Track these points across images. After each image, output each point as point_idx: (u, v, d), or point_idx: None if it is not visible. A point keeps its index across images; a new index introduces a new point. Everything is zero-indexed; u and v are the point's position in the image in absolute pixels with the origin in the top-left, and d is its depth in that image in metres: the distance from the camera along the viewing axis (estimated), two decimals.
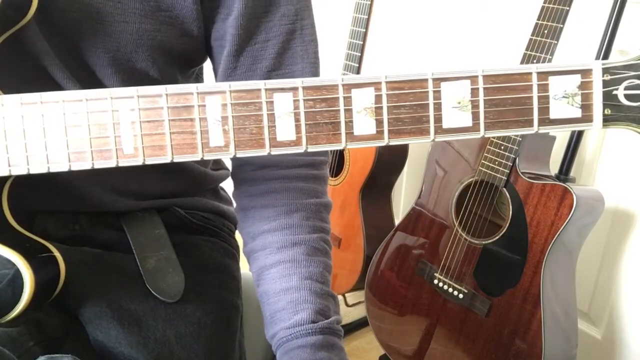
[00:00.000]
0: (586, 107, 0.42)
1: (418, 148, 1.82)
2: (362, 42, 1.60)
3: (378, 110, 0.46)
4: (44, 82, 0.64)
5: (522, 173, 1.32)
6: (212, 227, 0.87)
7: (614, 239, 1.56)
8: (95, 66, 0.66)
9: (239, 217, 0.77)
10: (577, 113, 0.42)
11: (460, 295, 1.42)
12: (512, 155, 1.32)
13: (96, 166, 0.53)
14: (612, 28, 1.26)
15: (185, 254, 0.76)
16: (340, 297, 1.89)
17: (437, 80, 0.44)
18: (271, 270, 0.71)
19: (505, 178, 1.33)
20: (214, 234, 0.87)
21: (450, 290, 1.44)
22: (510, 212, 1.33)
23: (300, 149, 0.49)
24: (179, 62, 0.73)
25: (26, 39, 0.62)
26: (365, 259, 1.71)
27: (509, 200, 1.33)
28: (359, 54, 1.61)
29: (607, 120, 0.42)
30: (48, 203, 0.71)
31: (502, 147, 1.33)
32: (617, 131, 1.41)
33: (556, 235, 1.25)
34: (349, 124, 0.47)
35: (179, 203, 0.83)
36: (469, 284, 1.41)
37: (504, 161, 1.33)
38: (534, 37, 1.24)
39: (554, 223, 1.25)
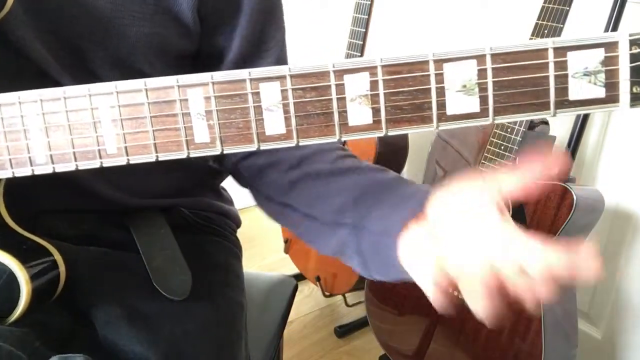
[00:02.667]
0: (611, 85, 0.35)
1: (418, 147, 1.77)
2: (362, 42, 1.55)
3: (374, 97, 0.40)
4: (38, 80, 0.60)
5: None
6: (215, 226, 0.85)
7: (614, 239, 1.50)
8: (94, 64, 0.63)
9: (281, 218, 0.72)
10: (601, 92, 0.35)
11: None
12: (512, 155, 1.26)
13: (80, 167, 0.49)
14: (612, 28, 1.21)
15: (191, 253, 0.73)
16: (340, 297, 1.86)
17: (439, 62, 0.37)
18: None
19: None
20: (218, 234, 0.85)
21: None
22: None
23: (291, 143, 0.43)
24: (177, 63, 0.69)
25: (11, 32, 0.58)
26: None
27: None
28: (359, 54, 1.56)
29: (635, 99, 0.35)
30: (53, 202, 0.68)
31: (502, 147, 1.27)
32: (617, 130, 1.37)
33: (556, 236, 1.19)
34: (343, 114, 0.41)
35: (183, 203, 0.80)
36: None
37: (503, 161, 1.27)
38: (534, 37, 1.19)
39: (554, 223, 1.20)
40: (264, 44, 0.69)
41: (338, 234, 0.60)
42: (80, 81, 0.61)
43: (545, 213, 1.21)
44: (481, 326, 1.32)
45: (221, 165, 0.80)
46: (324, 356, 1.73)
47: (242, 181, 0.76)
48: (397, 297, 1.53)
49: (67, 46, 0.61)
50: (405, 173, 1.99)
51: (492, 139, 1.29)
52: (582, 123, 1.31)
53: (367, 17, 1.53)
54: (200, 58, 0.72)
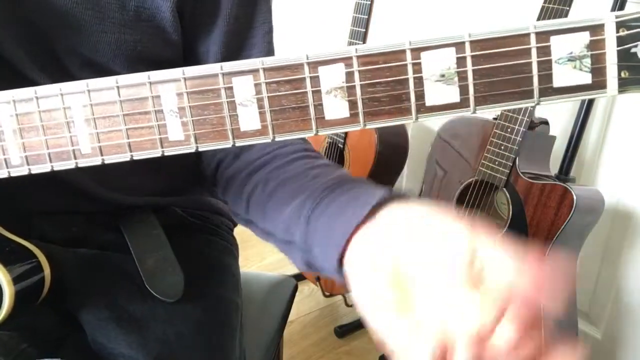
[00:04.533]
0: (597, 70, 0.32)
1: (418, 147, 1.75)
2: (362, 42, 1.52)
3: (350, 89, 0.37)
4: (17, 82, 0.58)
5: (522, 173, 1.25)
6: (210, 225, 0.83)
7: (614, 239, 1.47)
8: (73, 70, 0.60)
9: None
10: (587, 78, 0.32)
11: None
12: (512, 155, 1.24)
13: (55, 168, 0.47)
14: None
15: (184, 253, 0.71)
16: (340, 297, 1.83)
17: (417, 50, 0.34)
18: None
19: (505, 178, 1.26)
20: (213, 232, 0.83)
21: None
22: (510, 212, 1.26)
23: (267, 139, 0.40)
24: (160, 69, 0.67)
25: None
26: None
27: (509, 200, 1.26)
28: None
29: (624, 85, 0.32)
30: (43, 202, 0.67)
31: (502, 147, 1.25)
32: (617, 130, 1.35)
33: (556, 236, 1.17)
34: (319, 107, 0.38)
35: (176, 202, 0.79)
36: None
37: (503, 161, 1.26)
38: None
39: (554, 223, 1.18)
40: (247, 45, 0.66)
41: (296, 252, 0.54)
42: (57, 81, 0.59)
43: (545, 213, 1.19)
44: None
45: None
46: (324, 356, 1.71)
47: (218, 195, 0.73)
48: None
49: (45, 52, 0.59)
50: (405, 173, 1.97)
51: (493, 139, 1.27)
52: (582, 123, 1.29)
53: (367, 17, 1.50)
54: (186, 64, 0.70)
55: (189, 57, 0.66)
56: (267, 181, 0.59)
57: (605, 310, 1.52)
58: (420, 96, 0.35)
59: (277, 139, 0.40)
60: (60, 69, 0.60)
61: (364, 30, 1.51)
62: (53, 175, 0.49)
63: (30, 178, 0.48)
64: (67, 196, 0.67)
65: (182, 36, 0.64)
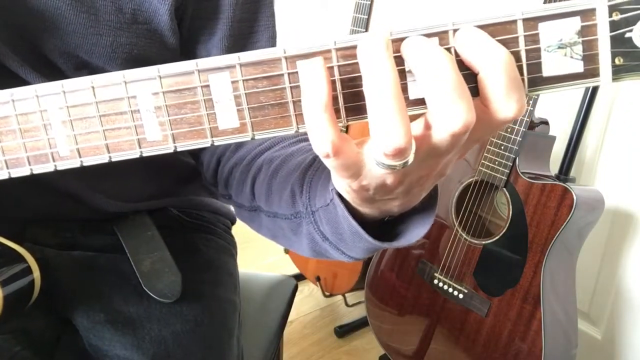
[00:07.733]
0: (589, 57, 0.29)
1: None
2: None
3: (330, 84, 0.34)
4: (12, 83, 0.56)
5: (522, 173, 1.22)
6: (207, 224, 0.82)
7: (614, 239, 1.45)
8: (67, 74, 0.59)
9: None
10: (579, 67, 0.30)
11: (460, 295, 1.32)
12: (512, 155, 1.22)
13: (35, 172, 0.45)
14: None
15: (181, 253, 0.70)
16: (340, 297, 1.81)
17: (397, 41, 0.32)
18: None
19: (505, 178, 1.23)
20: (210, 232, 0.82)
21: (450, 290, 1.34)
22: (510, 212, 1.23)
23: (246, 137, 0.37)
24: None
25: None
26: (365, 259, 1.61)
27: (509, 200, 1.23)
28: None
29: (618, 72, 0.29)
30: (38, 210, 0.66)
31: (502, 147, 1.23)
32: (617, 130, 1.31)
33: (556, 235, 1.15)
34: (298, 103, 0.35)
35: (172, 203, 0.77)
36: (469, 284, 1.30)
37: (503, 161, 1.23)
38: None
39: (554, 223, 1.15)
40: (250, 49, 0.64)
41: (302, 229, 0.54)
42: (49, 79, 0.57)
43: (545, 213, 1.17)
44: (481, 326, 1.28)
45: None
46: (324, 356, 1.69)
47: (220, 193, 0.70)
48: (397, 297, 1.49)
49: (34, 54, 0.57)
50: None
51: (492, 139, 1.25)
52: (582, 123, 1.27)
53: (367, 17, 1.49)
54: None
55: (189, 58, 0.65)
56: (272, 160, 0.59)
57: (605, 310, 1.50)
58: (404, 90, 0.33)
59: (256, 137, 0.37)
60: (54, 71, 0.58)
61: (364, 30, 1.50)
62: (47, 182, 0.47)
63: (24, 185, 0.47)
64: (61, 204, 0.66)
65: (183, 39, 0.62)
